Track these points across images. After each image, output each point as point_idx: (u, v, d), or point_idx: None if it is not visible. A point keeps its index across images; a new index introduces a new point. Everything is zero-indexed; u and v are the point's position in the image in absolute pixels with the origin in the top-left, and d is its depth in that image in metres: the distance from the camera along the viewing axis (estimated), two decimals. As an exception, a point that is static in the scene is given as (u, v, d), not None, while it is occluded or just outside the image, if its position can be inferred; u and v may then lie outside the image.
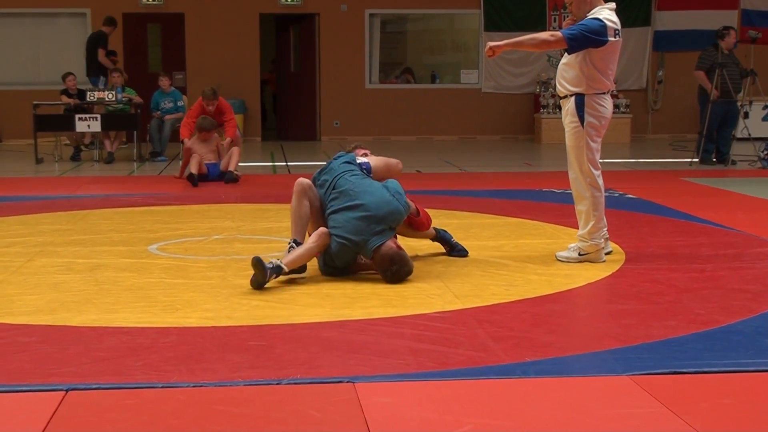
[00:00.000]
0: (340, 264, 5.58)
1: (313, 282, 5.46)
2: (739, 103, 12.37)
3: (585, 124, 5.90)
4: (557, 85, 6.13)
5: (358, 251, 5.52)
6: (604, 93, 5.93)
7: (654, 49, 17.20)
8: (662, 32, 17.17)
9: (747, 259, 6.11)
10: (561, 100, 6.13)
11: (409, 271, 5.46)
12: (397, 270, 5.40)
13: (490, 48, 5.87)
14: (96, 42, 14.31)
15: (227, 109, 11.35)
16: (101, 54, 14.15)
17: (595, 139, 5.96)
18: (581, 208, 6.07)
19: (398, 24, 17.85)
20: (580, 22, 5.86)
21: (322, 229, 5.55)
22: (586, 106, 5.89)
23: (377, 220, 5.48)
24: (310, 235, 5.66)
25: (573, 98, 5.94)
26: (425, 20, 17.80)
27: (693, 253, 6.29)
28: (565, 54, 5.98)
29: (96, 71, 14.23)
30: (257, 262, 5.25)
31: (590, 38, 5.76)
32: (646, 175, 11.47)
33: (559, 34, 5.84)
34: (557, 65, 6.18)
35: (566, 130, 6.03)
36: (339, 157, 5.96)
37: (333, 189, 5.68)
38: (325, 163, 6.00)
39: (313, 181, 5.84)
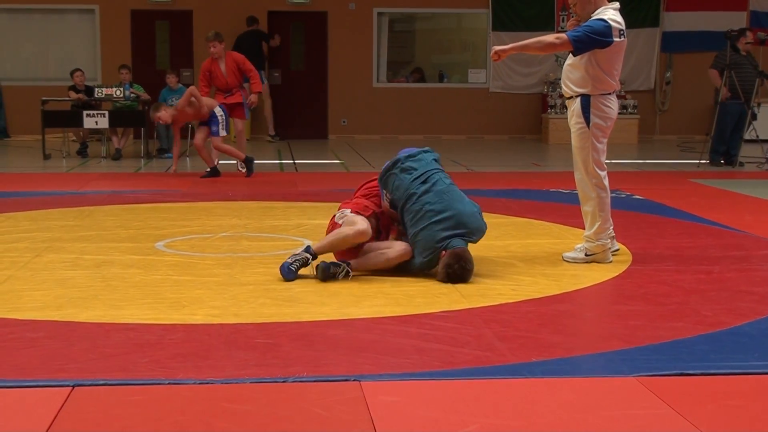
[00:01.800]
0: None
1: (319, 281, 5.45)
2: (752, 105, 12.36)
3: (591, 125, 5.89)
4: (563, 86, 6.13)
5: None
6: (609, 94, 5.92)
7: (662, 50, 17.17)
8: (671, 33, 17.14)
9: (754, 261, 6.10)
10: (566, 101, 6.13)
11: (470, 273, 5.38)
12: (460, 267, 5.31)
13: (495, 52, 5.85)
14: (259, 38, 15.89)
15: (242, 61, 11.07)
16: (266, 48, 15.91)
17: (601, 140, 5.95)
18: (587, 208, 6.06)
19: (406, 23, 17.84)
20: (585, 24, 5.84)
21: (407, 248, 5.50)
22: (592, 107, 5.88)
23: (466, 230, 5.43)
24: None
25: (578, 99, 5.93)
26: (433, 19, 17.79)
27: (700, 254, 6.28)
28: (570, 55, 5.97)
29: (256, 66, 15.01)
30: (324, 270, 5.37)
31: (595, 39, 5.75)
32: (654, 176, 11.45)
33: (564, 36, 5.83)
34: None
35: (572, 131, 6.03)
36: (427, 151, 5.84)
37: (424, 182, 5.55)
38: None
39: (395, 163, 5.68)
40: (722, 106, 12.20)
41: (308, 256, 5.46)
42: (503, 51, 5.84)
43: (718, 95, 12.34)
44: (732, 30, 12.45)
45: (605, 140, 5.99)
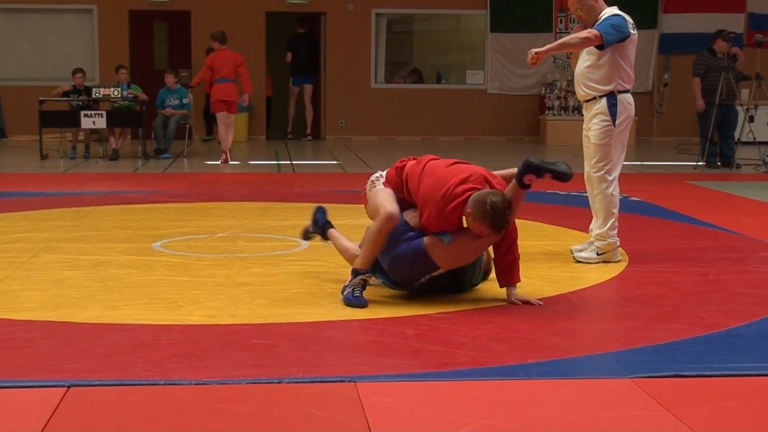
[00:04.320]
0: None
1: (316, 282, 5.46)
2: (742, 106, 12.35)
3: (616, 122, 5.95)
4: (580, 90, 6.08)
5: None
6: (628, 91, 6.00)
7: (660, 51, 17.15)
8: (668, 35, 17.13)
9: (751, 263, 6.10)
10: (585, 104, 6.12)
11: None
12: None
13: (534, 54, 5.63)
14: (313, 42, 16.51)
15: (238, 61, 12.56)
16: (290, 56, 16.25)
17: (624, 139, 6.07)
18: (597, 206, 6.07)
19: (404, 24, 17.83)
20: (603, 19, 5.87)
21: None
22: (619, 105, 5.95)
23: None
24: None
25: (604, 99, 5.94)
26: (431, 20, 17.79)
27: (697, 256, 6.28)
28: (585, 57, 5.97)
29: (316, 70, 16.45)
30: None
31: (619, 31, 5.84)
32: (651, 178, 11.46)
33: (594, 30, 5.82)
34: (562, 67, 6.18)
35: (592, 130, 6.00)
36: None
37: None
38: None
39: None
40: (707, 108, 12.22)
41: (363, 278, 4.98)
42: (541, 53, 5.66)
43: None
44: (730, 32, 12.47)
45: (626, 141, 6.09)
